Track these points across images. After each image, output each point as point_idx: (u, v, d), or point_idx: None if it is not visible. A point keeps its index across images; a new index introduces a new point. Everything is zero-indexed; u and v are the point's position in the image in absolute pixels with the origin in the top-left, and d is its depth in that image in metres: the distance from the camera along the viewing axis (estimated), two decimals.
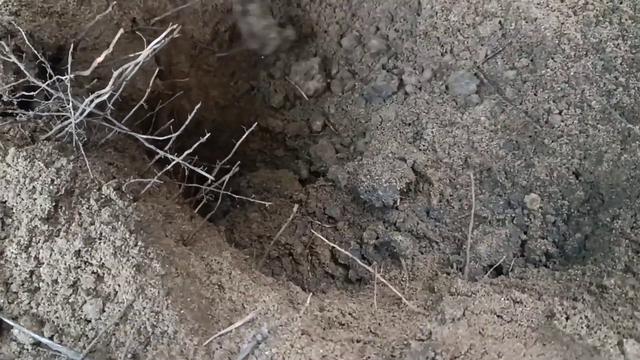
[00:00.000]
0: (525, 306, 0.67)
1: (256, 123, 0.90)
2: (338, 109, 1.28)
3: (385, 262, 1.01)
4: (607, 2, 0.88)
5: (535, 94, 0.93)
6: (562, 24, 0.90)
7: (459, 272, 0.87)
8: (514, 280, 0.77)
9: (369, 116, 1.19)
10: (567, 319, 0.65)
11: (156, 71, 0.91)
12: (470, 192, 0.98)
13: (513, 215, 0.92)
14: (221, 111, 1.31)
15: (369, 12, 1.26)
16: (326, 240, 0.93)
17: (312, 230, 0.99)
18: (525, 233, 0.90)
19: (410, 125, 1.08)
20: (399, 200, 1.00)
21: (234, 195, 0.90)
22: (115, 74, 0.73)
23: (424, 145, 1.05)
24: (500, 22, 0.99)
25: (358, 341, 0.69)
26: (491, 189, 0.97)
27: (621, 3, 0.86)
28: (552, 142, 0.90)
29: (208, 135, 0.79)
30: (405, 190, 1.01)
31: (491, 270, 0.85)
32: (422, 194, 1.04)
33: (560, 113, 0.90)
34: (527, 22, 0.94)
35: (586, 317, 0.64)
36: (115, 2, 0.98)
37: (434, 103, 1.06)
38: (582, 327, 0.64)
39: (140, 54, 0.77)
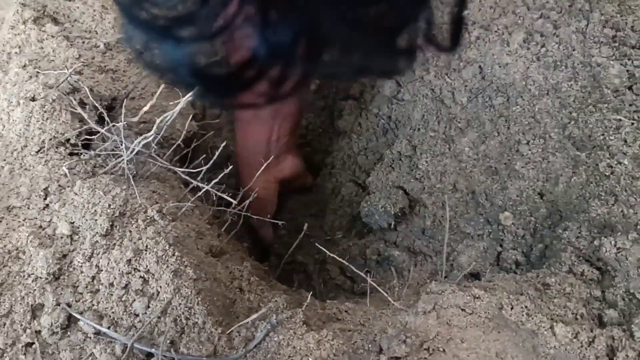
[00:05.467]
0: (482, 300, 0.82)
1: (272, 156, 1.09)
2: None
3: (386, 274, 1.17)
4: (563, 50, 1.03)
5: (508, 128, 1.08)
6: (528, 68, 1.06)
7: (444, 279, 1.03)
8: (484, 283, 0.92)
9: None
10: (511, 308, 0.80)
11: (191, 115, 1.11)
12: (458, 212, 1.14)
13: (490, 230, 1.07)
14: None
15: None
16: (337, 258, 1.07)
17: (322, 249, 1.12)
18: (500, 246, 1.05)
19: (408, 158, 1.25)
20: (393, 224, 1.16)
21: (252, 217, 1.08)
22: (158, 121, 0.93)
23: (419, 174, 1.22)
24: (480, 66, 1.16)
25: (349, 330, 0.85)
26: (475, 209, 1.12)
27: (574, 50, 1.02)
28: (522, 167, 1.04)
29: (231, 167, 0.98)
30: (400, 214, 1.17)
31: (464, 276, 1.00)
32: (418, 217, 1.20)
33: (527, 143, 1.05)
34: (500, 66, 1.10)
35: (526, 306, 0.79)
36: None
37: (427, 137, 1.22)
38: (522, 315, 0.78)
39: (177, 102, 0.97)
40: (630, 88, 0.96)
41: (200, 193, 0.99)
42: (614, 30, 1.00)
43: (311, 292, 0.92)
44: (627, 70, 0.97)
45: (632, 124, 0.93)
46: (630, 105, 0.95)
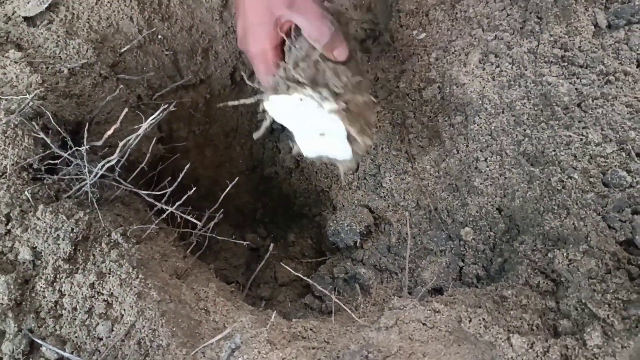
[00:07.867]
0: (442, 314, 0.84)
1: (237, 178, 1.11)
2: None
3: (353, 292, 1.19)
4: (516, 70, 1.07)
5: (467, 145, 1.12)
6: (484, 87, 1.10)
7: (407, 294, 1.05)
8: (444, 297, 0.94)
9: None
10: (470, 321, 0.82)
11: (155, 138, 1.12)
12: (421, 229, 1.16)
13: (452, 246, 1.09)
14: (216, 169, 1.52)
15: None
16: (303, 277, 1.10)
17: (288, 269, 1.15)
18: (462, 261, 1.07)
19: (373, 176, 1.27)
20: (358, 242, 1.18)
21: (217, 237, 1.09)
22: (121, 144, 0.94)
23: (383, 193, 1.24)
24: (439, 86, 1.19)
25: (313, 348, 0.86)
26: (437, 225, 1.15)
27: (526, 70, 1.06)
28: (480, 184, 1.08)
29: (194, 189, 0.99)
30: (365, 232, 1.19)
31: (428, 291, 1.02)
32: (383, 234, 1.22)
33: (485, 160, 1.08)
34: (457, 86, 1.14)
35: (484, 319, 0.81)
36: (122, 86, 1.20)
37: (390, 155, 1.25)
38: (480, 327, 0.80)
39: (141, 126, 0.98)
40: (579, 105, 1.00)
41: (164, 215, 1.00)
42: (563, 50, 1.04)
43: (274, 311, 0.93)
44: (576, 89, 1.01)
45: (581, 139, 0.96)
46: (579, 121, 0.98)
